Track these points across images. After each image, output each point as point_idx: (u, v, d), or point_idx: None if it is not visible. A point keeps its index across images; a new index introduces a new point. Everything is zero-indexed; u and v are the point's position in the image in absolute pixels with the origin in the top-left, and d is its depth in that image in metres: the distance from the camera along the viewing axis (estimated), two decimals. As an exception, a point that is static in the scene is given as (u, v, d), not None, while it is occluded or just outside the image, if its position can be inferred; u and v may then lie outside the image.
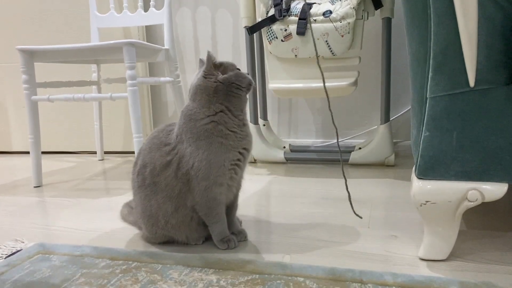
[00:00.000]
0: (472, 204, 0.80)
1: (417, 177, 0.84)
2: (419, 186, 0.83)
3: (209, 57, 0.93)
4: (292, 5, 1.56)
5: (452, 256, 0.88)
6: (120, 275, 0.87)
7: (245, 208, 1.26)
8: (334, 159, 1.82)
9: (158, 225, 0.98)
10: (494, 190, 0.78)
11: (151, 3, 1.92)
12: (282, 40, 1.56)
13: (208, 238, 1.02)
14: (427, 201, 0.82)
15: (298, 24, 1.52)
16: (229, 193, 0.99)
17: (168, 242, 1.02)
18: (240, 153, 0.96)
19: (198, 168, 0.92)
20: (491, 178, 0.78)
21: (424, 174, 0.82)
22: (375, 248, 0.96)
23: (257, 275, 0.84)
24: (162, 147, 0.96)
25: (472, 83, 0.75)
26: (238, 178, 0.99)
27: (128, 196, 1.43)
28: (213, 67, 0.94)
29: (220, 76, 0.94)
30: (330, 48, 1.52)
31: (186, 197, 0.95)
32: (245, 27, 1.73)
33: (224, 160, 0.93)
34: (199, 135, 0.92)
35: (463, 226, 1.05)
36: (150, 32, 2.24)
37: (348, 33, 1.49)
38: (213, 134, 0.92)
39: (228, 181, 0.96)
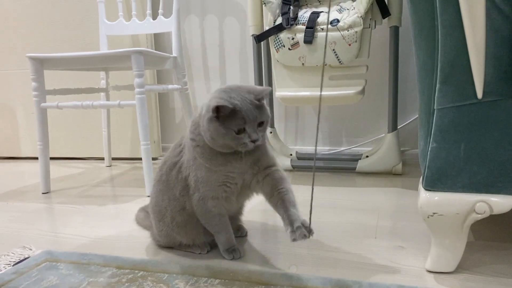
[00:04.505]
0: (480, 217, 0.79)
1: (424, 188, 0.83)
2: (426, 198, 0.82)
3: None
4: (300, 13, 1.57)
5: (460, 268, 0.87)
6: (126, 284, 0.87)
7: (252, 217, 1.26)
8: (341, 167, 1.82)
9: (164, 221, 0.99)
10: (502, 202, 0.77)
11: (160, 11, 1.94)
12: (289, 49, 1.56)
13: (213, 246, 1.02)
14: (434, 213, 0.81)
15: (305, 32, 1.52)
16: (229, 205, 0.96)
17: (173, 248, 1.03)
18: (227, 176, 0.90)
19: (190, 179, 0.92)
20: (499, 190, 0.77)
21: (432, 185, 0.82)
22: (382, 259, 0.95)
23: (263, 286, 0.84)
24: (177, 147, 0.99)
25: (480, 94, 0.74)
26: (235, 192, 0.94)
27: (136, 204, 1.44)
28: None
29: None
30: (337, 57, 1.52)
31: (185, 201, 0.95)
32: (252, 35, 1.74)
33: (209, 177, 0.90)
34: (188, 147, 0.93)
35: (470, 237, 1.04)
36: (159, 39, 2.26)
37: (356, 41, 1.49)
38: (192, 151, 0.91)
39: (223, 194, 0.92)
